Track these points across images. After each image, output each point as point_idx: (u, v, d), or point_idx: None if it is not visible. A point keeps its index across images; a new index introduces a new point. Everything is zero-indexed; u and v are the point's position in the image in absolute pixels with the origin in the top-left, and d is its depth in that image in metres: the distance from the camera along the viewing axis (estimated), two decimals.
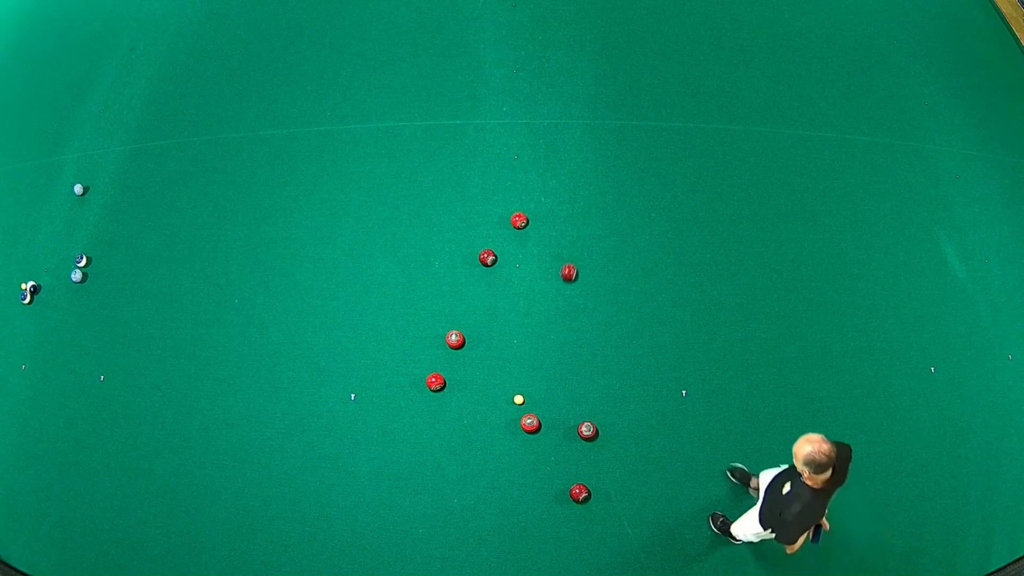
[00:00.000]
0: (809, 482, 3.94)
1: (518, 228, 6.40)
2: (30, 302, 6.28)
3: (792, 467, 4.30)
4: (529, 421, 5.62)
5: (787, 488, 4.16)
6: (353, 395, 5.80)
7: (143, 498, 5.56)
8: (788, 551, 4.36)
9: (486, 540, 5.34)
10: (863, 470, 5.55)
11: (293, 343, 6.01)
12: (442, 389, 5.79)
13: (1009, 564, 5.28)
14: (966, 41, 7.77)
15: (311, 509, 5.46)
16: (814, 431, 5.59)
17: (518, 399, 5.68)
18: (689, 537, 5.35)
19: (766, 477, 4.62)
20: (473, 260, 6.28)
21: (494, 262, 6.25)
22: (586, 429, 5.60)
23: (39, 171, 6.97)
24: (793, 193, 6.63)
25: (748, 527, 4.78)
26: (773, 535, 4.40)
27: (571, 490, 5.43)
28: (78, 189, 6.74)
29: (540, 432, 5.65)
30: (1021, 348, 6.04)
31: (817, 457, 3.79)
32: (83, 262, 6.40)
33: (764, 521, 4.47)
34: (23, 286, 6.30)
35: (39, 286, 6.37)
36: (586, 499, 5.43)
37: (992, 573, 5.28)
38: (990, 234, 6.53)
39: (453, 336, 5.92)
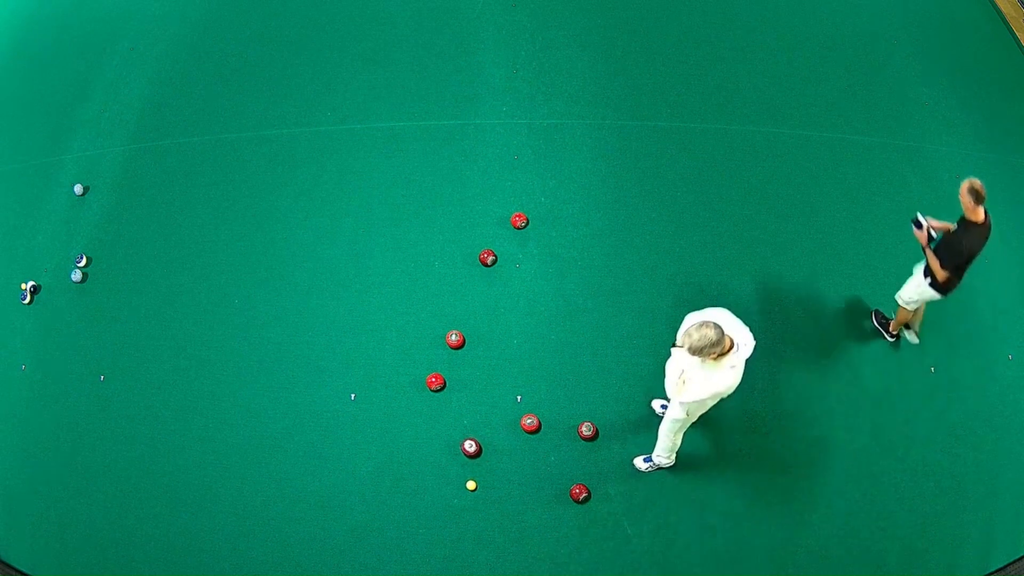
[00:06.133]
0: (974, 217, 5.03)
1: (518, 228, 6.40)
2: (30, 302, 6.28)
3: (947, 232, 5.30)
4: (529, 421, 5.62)
5: (954, 226, 5.22)
6: (353, 395, 5.80)
7: (143, 498, 5.56)
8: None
9: (486, 540, 5.34)
10: (864, 469, 5.55)
11: (293, 343, 6.01)
12: (442, 389, 5.79)
13: (1009, 564, 5.28)
14: (966, 41, 7.77)
15: (311, 509, 5.46)
16: (815, 430, 5.62)
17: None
18: (689, 537, 5.35)
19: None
20: (473, 260, 6.28)
21: (494, 262, 6.25)
22: (586, 429, 5.60)
23: (39, 171, 6.98)
24: (793, 193, 6.64)
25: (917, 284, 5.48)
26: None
27: (571, 490, 5.43)
28: (78, 189, 6.75)
29: (540, 432, 5.65)
30: (1021, 348, 6.03)
31: (974, 183, 4.91)
32: (83, 262, 6.40)
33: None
34: (23, 286, 6.30)
35: (39, 286, 6.37)
36: (586, 499, 5.44)
37: (992, 573, 5.27)
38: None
39: (453, 336, 5.92)
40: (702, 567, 5.27)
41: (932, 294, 5.40)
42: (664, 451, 5.31)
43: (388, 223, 6.48)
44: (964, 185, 4.93)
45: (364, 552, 5.33)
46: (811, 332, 6.04)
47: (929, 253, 5.27)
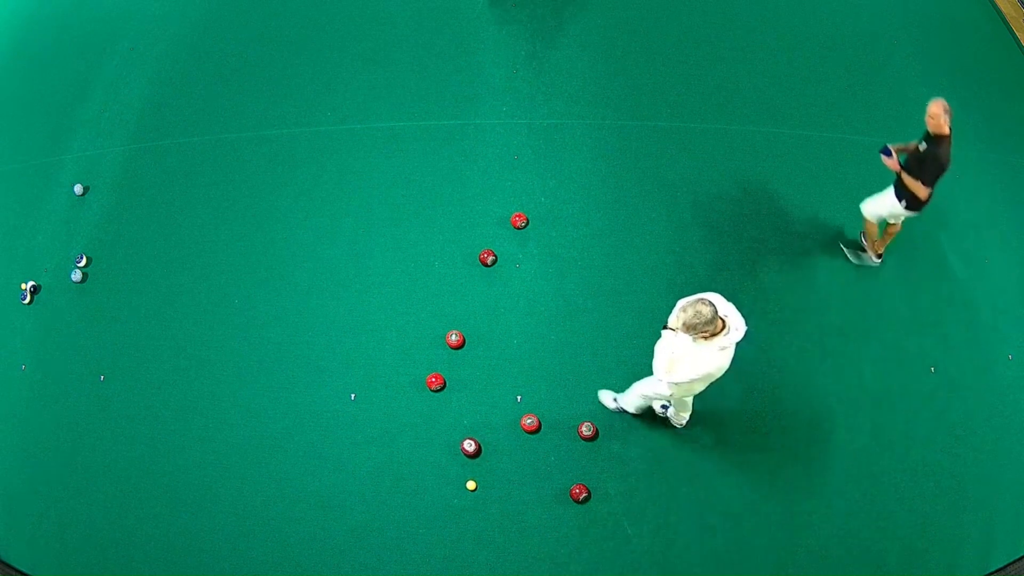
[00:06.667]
0: (944, 131, 5.23)
1: (518, 228, 6.40)
2: (30, 302, 6.28)
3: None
4: (529, 421, 5.62)
5: (923, 146, 5.37)
6: (353, 395, 5.80)
7: (143, 498, 5.56)
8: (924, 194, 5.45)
9: (486, 540, 5.34)
10: (864, 469, 5.55)
11: (293, 343, 6.01)
12: (442, 389, 5.79)
13: (1009, 564, 5.28)
14: (966, 41, 7.77)
15: (311, 509, 5.46)
16: (815, 430, 5.62)
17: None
18: (689, 537, 5.35)
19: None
20: (473, 260, 6.28)
21: (494, 262, 6.25)
22: (586, 429, 5.61)
23: (39, 171, 6.98)
24: (793, 193, 6.64)
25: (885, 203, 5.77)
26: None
27: (571, 490, 5.43)
28: (78, 189, 6.75)
29: (540, 432, 5.65)
30: (1021, 348, 6.03)
31: (946, 104, 5.14)
32: (83, 262, 6.40)
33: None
34: (23, 286, 6.30)
35: (39, 286, 6.37)
36: (586, 499, 5.44)
37: (992, 573, 5.28)
38: (990, 234, 6.53)
39: (453, 336, 5.92)
40: (702, 567, 5.27)
41: (909, 214, 5.71)
42: (630, 406, 5.35)
43: (388, 223, 6.48)
44: (938, 106, 5.14)
45: (364, 552, 5.33)
46: (811, 332, 6.03)
47: (907, 176, 5.46)
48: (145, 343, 6.09)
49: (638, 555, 5.30)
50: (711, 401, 5.75)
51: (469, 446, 5.53)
